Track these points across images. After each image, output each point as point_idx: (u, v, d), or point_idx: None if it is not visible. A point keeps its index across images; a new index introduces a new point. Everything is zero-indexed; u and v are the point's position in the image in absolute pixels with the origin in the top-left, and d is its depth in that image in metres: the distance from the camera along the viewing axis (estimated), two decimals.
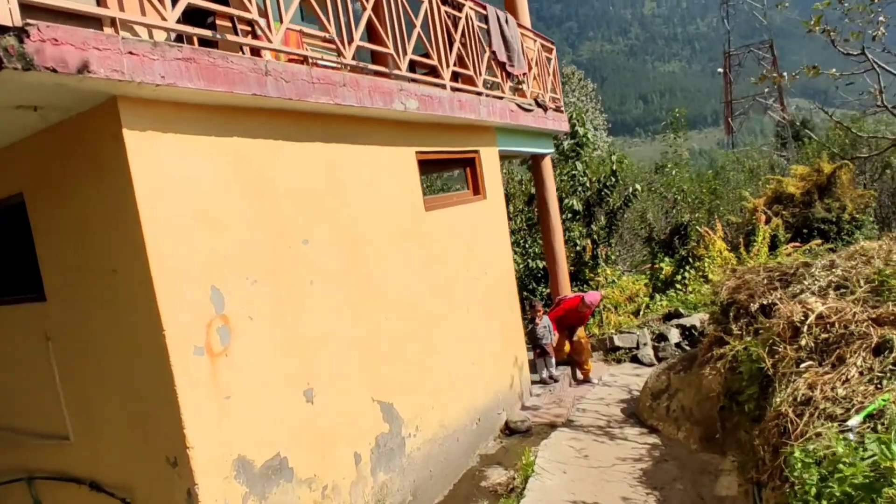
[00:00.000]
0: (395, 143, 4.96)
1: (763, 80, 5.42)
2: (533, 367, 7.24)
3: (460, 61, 5.96)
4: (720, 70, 61.60)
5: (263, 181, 3.58)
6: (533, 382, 7.04)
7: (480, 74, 6.22)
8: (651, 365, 7.93)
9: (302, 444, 3.57)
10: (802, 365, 3.39)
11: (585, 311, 7.33)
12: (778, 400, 3.32)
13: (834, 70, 5.57)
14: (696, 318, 8.36)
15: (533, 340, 7.20)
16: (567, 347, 7.42)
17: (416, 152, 5.25)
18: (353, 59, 4.25)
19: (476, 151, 6.33)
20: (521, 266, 11.94)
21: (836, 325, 3.55)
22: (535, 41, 7.94)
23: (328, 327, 3.90)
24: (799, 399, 3.14)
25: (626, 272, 14.95)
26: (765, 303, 4.95)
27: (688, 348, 8.06)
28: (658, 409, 5.89)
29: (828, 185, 16.04)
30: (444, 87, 5.34)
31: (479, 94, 6.03)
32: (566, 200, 11.41)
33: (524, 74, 7.20)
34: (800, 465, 2.62)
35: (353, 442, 3.99)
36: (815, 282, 4.74)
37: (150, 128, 2.94)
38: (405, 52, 4.88)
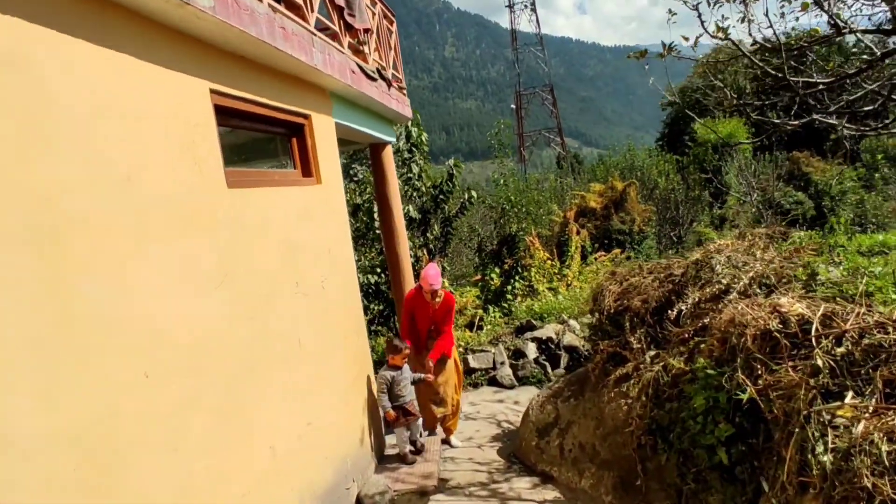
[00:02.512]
0: (175, 67, 2.74)
1: (643, 56, 4.41)
2: (388, 429, 4.89)
3: None
4: (513, 106, 67.47)
5: None
6: (391, 446, 5.04)
7: (313, 11, 4.26)
8: (512, 387, 6.64)
9: None
10: (848, 398, 2.14)
11: (434, 300, 4.86)
12: (827, 461, 2.01)
13: (703, 56, 4.93)
14: (551, 330, 7.35)
15: (390, 398, 4.57)
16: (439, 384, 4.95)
17: (213, 91, 3.07)
18: None
19: (307, 116, 4.30)
20: None
21: (852, 334, 2.41)
22: (377, 4, 6.21)
23: None
24: (887, 462, 1.85)
25: (451, 285, 13.97)
26: (683, 308, 3.87)
27: (546, 363, 6.97)
28: (548, 450, 4.47)
29: (621, 200, 17.27)
30: None
31: (313, 33, 4.06)
32: (402, 207, 9.84)
33: (366, 31, 5.40)
34: None
35: None
36: (736, 280, 3.78)
37: None
38: None
